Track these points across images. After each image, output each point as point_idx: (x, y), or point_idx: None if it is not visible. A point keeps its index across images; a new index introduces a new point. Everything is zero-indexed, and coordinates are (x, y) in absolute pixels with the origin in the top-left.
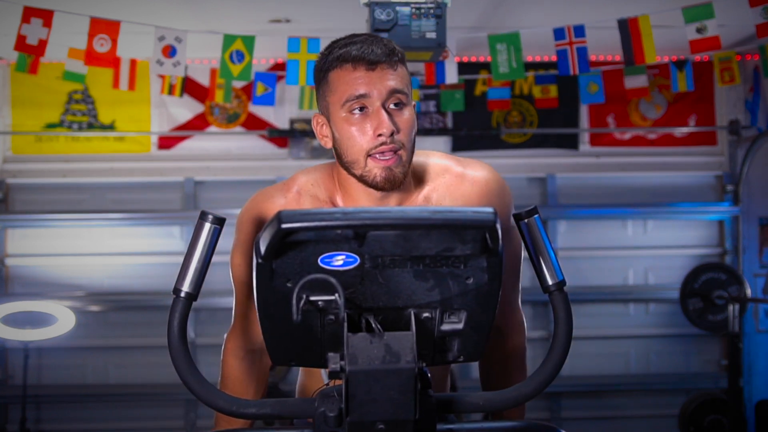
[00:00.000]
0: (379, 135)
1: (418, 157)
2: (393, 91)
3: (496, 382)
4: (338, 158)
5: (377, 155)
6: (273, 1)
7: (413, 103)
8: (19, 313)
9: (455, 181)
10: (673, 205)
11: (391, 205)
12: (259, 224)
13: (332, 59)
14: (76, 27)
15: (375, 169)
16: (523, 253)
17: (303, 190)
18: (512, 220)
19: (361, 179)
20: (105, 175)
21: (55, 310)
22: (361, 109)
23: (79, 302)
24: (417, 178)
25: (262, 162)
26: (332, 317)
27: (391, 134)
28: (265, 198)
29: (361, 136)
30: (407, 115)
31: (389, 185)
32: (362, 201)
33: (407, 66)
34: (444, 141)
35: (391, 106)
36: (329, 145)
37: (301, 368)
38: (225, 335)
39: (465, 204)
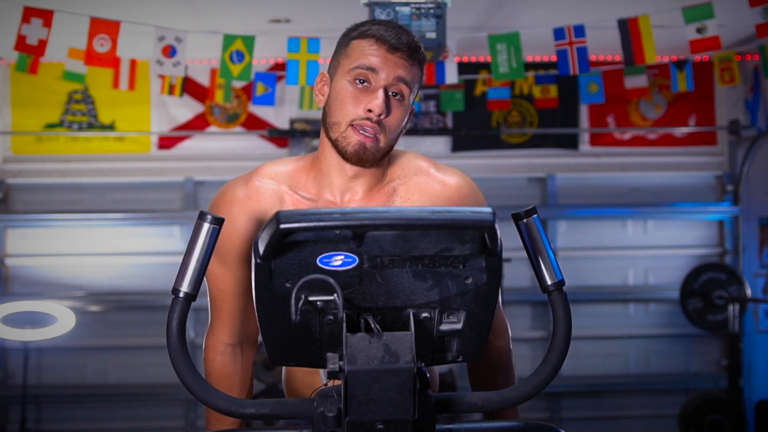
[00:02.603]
0: (369, 110)
1: (399, 156)
2: (400, 79)
3: (482, 384)
4: (323, 119)
5: (359, 128)
6: (273, 1)
7: (412, 107)
8: (19, 313)
9: (426, 179)
10: (673, 205)
11: (358, 189)
12: (225, 215)
13: (362, 31)
14: (76, 27)
15: (352, 138)
16: (523, 254)
17: (265, 179)
18: None
19: (335, 143)
20: (105, 175)
21: (55, 310)
22: (365, 82)
23: (79, 302)
24: (391, 172)
25: (261, 162)
26: (331, 317)
27: (380, 115)
28: (228, 188)
29: (352, 105)
30: (402, 108)
31: (356, 159)
32: (332, 177)
33: (423, 73)
34: (444, 141)
35: (392, 93)
36: (322, 104)
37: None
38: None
39: (432, 203)
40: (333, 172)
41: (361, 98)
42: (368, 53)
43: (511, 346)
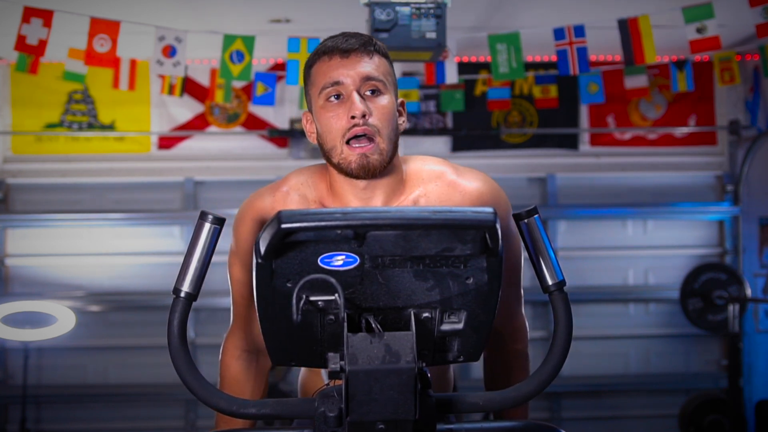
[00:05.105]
0: (352, 117)
1: (415, 162)
2: (367, 78)
3: (497, 387)
4: (321, 151)
5: (353, 143)
6: (273, 1)
7: (401, 101)
8: (19, 313)
9: (446, 189)
10: (673, 205)
11: (378, 204)
12: (251, 223)
13: (312, 55)
14: (76, 27)
15: (350, 155)
16: (523, 254)
17: (292, 189)
18: (511, 227)
19: (339, 167)
20: (105, 175)
21: (55, 310)
22: (338, 96)
23: (79, 302)
24: (409, 181)
25: (262, 162)
26: (332, 317)
27: (363, 116)
28: (255, 197)
29: (336, 122)
30: (384, 102)
31: (363, 172)
32: (348, 197)
33: (389, 60)
34: (444, 141)
35: (367, 92)
36: (315, 140)
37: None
38: (224, 335)
39: None
40: (348, 195)
41: (341, 111)
42: (326, 70)
43: (529, 352)
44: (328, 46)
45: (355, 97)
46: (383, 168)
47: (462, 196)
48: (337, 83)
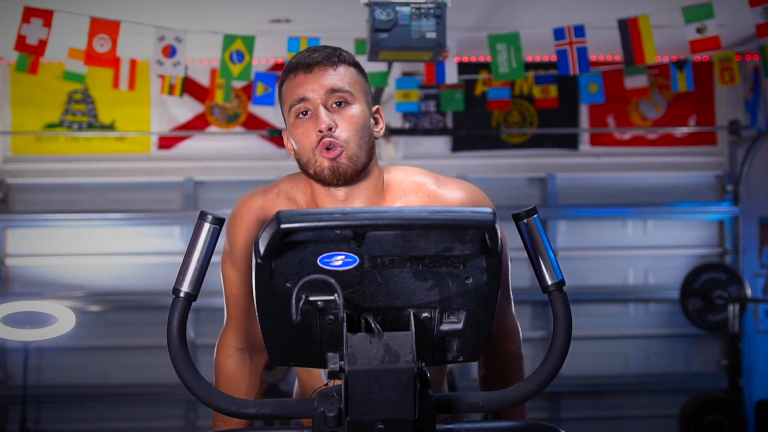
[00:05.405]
0: (319, 131)
1: (396, 172)
2: (332, 90)
3: (492, 388)
4: (299, 166)
5: (323, 150)
6: (273, 1)
7: (377, 107)
8: (19, 313)
9: (427, 200)
10: (673, 205)
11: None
12: (242, 222)
13: (282, 74)
14: (76, 27)
15: (323, 161)
16: (523, 254)
17: (282, 192)
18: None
19: (316, 177)
20: (105, 175)
21: (55, 310)
22: (305, 112)
23: (79, 302)
24: (390, 192)
25: (262, 162)
26: (331, 317)
27: (329, 129)
28: (247, 197)
29: (306, 138)
30: (352, 112)
31: (335, 178)
32: (327, 207)
33: (359, 68)
34: (444, 141)
35: (333, 105)
36: (294, 157)
37: (297, 371)
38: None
39: None
40: (327, 206)
41: (309, 127)
42: (292, 88)
43: (522, 352)
44: (293, 63)
45: (321, 111)
46: (355, 173)
47: (443, 206)
48: (303, 99)
